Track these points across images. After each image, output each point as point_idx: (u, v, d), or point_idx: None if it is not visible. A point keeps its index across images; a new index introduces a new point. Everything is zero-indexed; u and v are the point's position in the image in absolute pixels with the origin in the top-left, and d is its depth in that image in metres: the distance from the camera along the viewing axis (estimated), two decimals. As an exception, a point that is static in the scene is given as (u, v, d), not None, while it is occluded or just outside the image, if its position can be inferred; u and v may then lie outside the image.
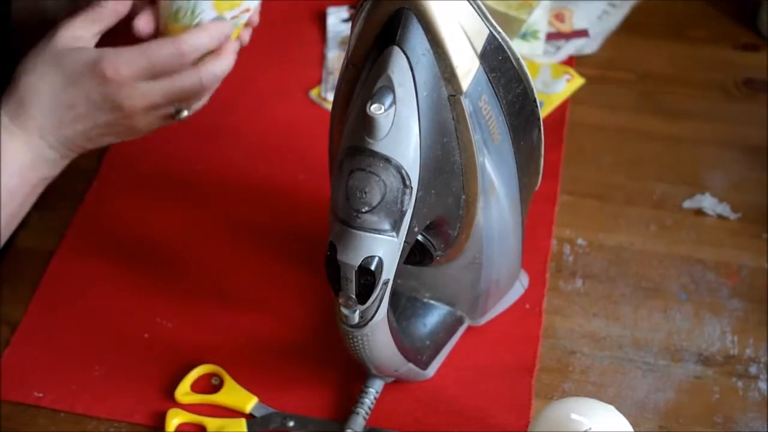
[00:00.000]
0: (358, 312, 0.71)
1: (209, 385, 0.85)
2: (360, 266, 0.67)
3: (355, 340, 0.73)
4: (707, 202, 0.95)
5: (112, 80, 0.75)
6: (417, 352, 0.82)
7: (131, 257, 0.93)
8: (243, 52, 0.83)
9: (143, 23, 0.80)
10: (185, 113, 0.80)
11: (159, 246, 0.93)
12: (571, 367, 0.84)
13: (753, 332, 0.86)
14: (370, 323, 0.72)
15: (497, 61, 0.69)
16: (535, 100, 0.74)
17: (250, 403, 0.83)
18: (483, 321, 0.86)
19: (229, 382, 0.84)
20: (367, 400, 0.81)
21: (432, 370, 0.84)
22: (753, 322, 0.87)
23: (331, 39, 1.14)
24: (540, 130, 0.76)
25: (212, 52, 0.79)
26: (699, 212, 0.95)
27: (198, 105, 0.82)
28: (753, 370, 0.83)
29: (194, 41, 0.77)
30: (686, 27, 1.14)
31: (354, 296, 0.69)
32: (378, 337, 0.74)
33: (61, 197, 1.00)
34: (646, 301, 0.88)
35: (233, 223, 0.96)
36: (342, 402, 0.83)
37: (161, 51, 0.76)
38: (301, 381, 0.84)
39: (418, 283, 0.83)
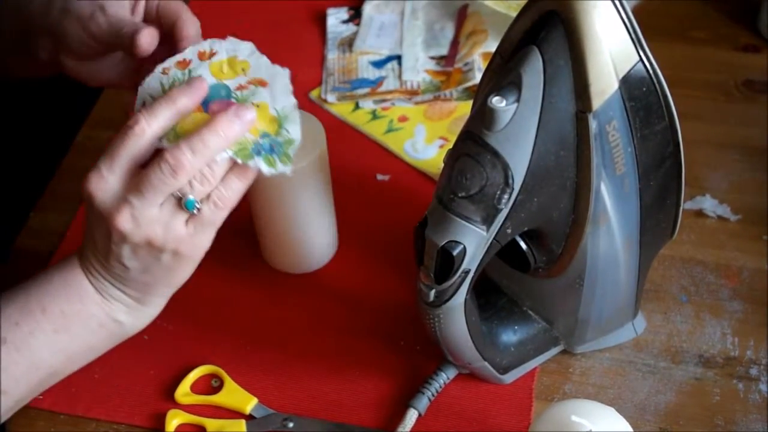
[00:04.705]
0: (434, 291, 0.71)
1: (209, 386, 0.85)
2: (442, 247, 0.67)
3: (428, 317, 0.74)
4: (707, 204, 0.95)
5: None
6: (497, 354, 0.80)
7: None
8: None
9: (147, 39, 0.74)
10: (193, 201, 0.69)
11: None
12: (571, 368, 0.84)
13: (753, 334, 0.86)
14: (444, 306, 0.72)
15: (640, 91, 0.68)
16: (678, 145, 0.71)
17: (249, 404, 0.83)
18: (580, 350, 0.84)
19: (229, 383, 0.84)
20: (435, 384, 0.81)
21: (511, 378, 0.82)
22: (753, 323, 0.86)
23: (330, 40, 1.13)
24: (680, 180, 0.73)
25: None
26: (699, 214, 0.95)
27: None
28: (753, 372, 0.83)
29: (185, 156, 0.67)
30: (687, 28, 1.14)
31: (432, 274, 0.69)
32: (451, 321, 0.74)
33: (61, 198, 1.00)
34: (647, 303, 0.88)
35: (233, 223, 0.96)
36: (342, 403, 0.83)
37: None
38: (301, 382, 0.84)
39: (521, 289, 0.82)
